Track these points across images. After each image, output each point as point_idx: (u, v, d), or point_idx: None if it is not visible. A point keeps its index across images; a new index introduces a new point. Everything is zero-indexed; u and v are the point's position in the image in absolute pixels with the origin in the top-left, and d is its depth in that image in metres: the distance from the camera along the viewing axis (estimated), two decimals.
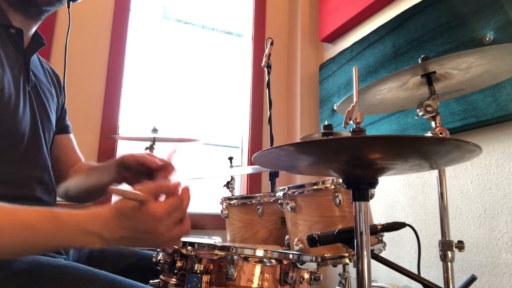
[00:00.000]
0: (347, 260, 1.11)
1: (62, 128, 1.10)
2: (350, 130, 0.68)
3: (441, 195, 1.12)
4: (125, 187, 0.70)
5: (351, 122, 0.68)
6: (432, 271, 1.63)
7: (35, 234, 0.65)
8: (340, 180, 1.11)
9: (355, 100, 0.68)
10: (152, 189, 0.70)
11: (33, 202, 0.87)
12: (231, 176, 1.74)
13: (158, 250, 0.95)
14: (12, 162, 0.83)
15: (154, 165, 0.90)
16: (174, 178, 0.75)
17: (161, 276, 0.93)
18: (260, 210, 1.35)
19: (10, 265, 0.74)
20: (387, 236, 1.22)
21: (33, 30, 0.93)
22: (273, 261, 0.88)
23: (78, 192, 1.10)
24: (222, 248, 0.87)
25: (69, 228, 0.66)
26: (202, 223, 2.18)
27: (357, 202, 0.76)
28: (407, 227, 0.99)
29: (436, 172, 1.13)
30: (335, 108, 2.32)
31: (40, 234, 0.65)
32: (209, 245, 0.88)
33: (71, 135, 1.14)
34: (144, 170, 0.91)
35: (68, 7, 0.99)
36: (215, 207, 1.60)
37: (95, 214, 0.68)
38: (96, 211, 0.68)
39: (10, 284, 0.72)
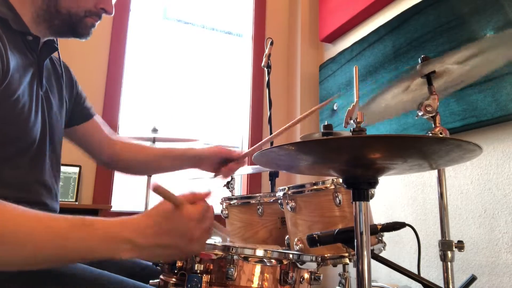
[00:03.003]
0: (347, 260, 1.11)
1: (86, 115, 1.13)
2: (350, 130, 0.68)
3: (441, 195, 1.12)
4: (166, 187, 0.69)
5: (352, 121, 0.68)
6: (432, 271, 1.63)
7: (65, 242, 0.63)
8: (340, 180, 1.11)
9: (355, 99, 0.68)
10: (189, 196, 0.71)
11: (37, 206, 0.87)
12: (231, 176, 1.74)
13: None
14: (20, 166, 0.83)
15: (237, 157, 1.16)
16: (205, 188, 0.77)
17: (161, 276, 0.93)
18: (260, 210, 1.35)
19: None
20: (387, 236, 1.22)
21: (45, 39, 0.94)
22: (273, 261, 0.88)
23: (142, 168, 1.22)
24: (222, 248, 0.87)
25: (98, 234, 0.65)
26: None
27: (357, 202, 0.76)
28: (407, 227, 0.99)
29: (436, 172, 1.13)
30: (335, 108, 2.32)
31: (70, 241, 0.63)
32: (209, 245, 0.88)
33: (95, 117, 1.17)
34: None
35: None
36: (215, 207, 1.60)
37: (127, 220, 0.67)
38: (129, 218, 0.67)
39: (14, 283, 0.72)
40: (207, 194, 0.75)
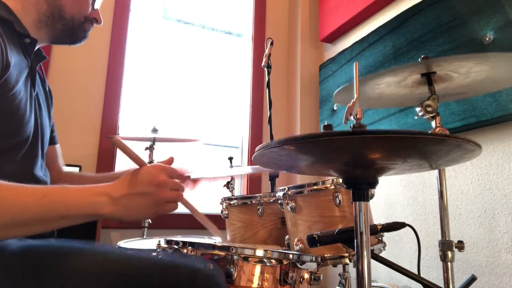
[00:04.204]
0: (347, 260, 1.11)
1: (52, 139, 1.15)
2: (350, 126, 0.68)
3: (441, 195, 1.12)
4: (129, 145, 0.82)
5: (352, 118, 0.67)
6: (432, 271, 1.63)
7: (45, 199, 0.69)
8: (340, 180, 1.11)
9: (355, 96, 0.68)
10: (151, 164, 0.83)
11: None
12: (231, 176, 1.74)
13: (159, 245, 0.96)
14: (15, 160, 0.86)
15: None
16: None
17: None
18: (260, 210, 1.35)
19: (2, 250, 0.74)
20: (387, 236, 1.22)
21: (40, 45, 0.99)
22: (273, 261, 0.88)
23: None
24: (222, 248, 0.87)
25: (76, 191, 0.73)
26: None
27: (357, 202, 0.76)
28: (407, 227, 0.99)
29: (436, 172, 1.13)
30: (335, 108, 2.31)
31: (49, 199, 0.70)
32: (209, 245, 0.88)
33: (57, 146, 1.19)
34: None
35: None
36: (215, 207, 1.60)
37: (102, 184, 0.78)
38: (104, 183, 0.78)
39: (5, 265, 0.72)
40: (170, 160, 0.88)
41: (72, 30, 1.00)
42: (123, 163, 2.24)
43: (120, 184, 0.77)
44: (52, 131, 1.16)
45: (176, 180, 0.82)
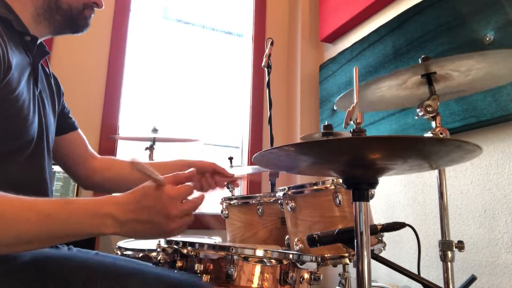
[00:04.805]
0: (347, 260, 1.11)
1: (71, 126, 1.15)
2: (350, 131, 0.68)
3: (441, 195, 1.12)
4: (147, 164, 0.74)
5: (352, 122, 0.67)
6: (432, 271, 1.63)
7: (48, 220, 0.67)
8: (340, 180, 1.11)
9: (355, 101, 0.68)
10: (171, 177, 0.75)
11: None
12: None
13: (159, 245, 0.96)
14: (19, 163, 0.85)
15: (228, 176, 1.13)
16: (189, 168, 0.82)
17: None
18: (260, 210, 1.35)
19: (15, 259, 0.75)
20: (387, 236, 1.22)
21: (42, 39, 0.98)
22: (273, 261, 0.89)
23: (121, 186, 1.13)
24: (222, 248, 0.87)
25: (81, 210, 0.69)
26: (202, 223, 2.18)
27: (357, 202, 0.76)
28: (407, 227, 0.99)
29: (436, 172, 1.13)
30: (335, 108, 2.31)
31: (53, 219, 0.67)
32: (209, 245, 0.88)
33: (80, 131, 1.18)
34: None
35: None
36: (215, 207, 1.60)
37: (107, 197, 0.72)
38: (112, 196, 0.72)
39: (18, 275, 0.73)
40: (191, 174, 0.79)
41: (72, 20, 0.97)
42: None
43: (128, 205, 0.71)
44: (69, 118, 1.15)
45: (188, 201, 0.76)
